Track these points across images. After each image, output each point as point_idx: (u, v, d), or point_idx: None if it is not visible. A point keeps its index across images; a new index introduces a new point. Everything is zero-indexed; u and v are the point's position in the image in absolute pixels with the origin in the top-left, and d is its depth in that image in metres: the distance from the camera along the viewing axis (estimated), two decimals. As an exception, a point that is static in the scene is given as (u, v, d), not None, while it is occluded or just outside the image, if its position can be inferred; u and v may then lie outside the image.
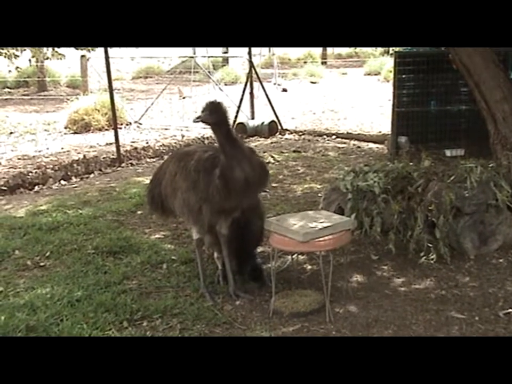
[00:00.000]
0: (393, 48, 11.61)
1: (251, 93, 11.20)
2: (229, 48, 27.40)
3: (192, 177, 3.77)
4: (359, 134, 10.10)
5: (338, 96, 16.20)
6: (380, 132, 10.25)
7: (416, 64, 7.70)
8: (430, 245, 4.43)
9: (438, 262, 4.43)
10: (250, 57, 11.23)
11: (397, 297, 3.99)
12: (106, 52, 8.68)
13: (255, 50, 23.91)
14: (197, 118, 3.79)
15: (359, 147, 9.20)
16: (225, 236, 4.06)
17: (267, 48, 28.60)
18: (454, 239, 4.57)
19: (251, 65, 11.04)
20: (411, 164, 5.22)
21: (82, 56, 15.28)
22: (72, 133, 11.86)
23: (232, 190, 3.67)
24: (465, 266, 4.46)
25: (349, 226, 3.82)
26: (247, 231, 4.18)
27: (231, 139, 3.69)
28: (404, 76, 7.83)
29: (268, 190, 6.69)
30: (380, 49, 28.00)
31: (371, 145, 9.31)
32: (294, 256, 4.40)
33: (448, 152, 7.65)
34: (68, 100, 13.27)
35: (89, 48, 18.10)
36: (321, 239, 3.62)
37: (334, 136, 10.12)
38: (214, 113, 3.71)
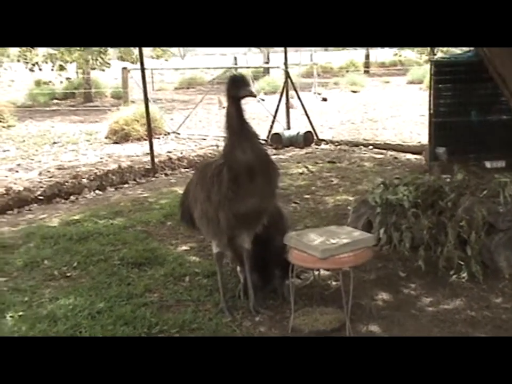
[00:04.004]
0: (433, 55, 11.37)
1: (287, 103, 11.14)
2: (270, 58, 27.42)
3: (207, 186, 3.72)
4: (396, 144, 9.89)
5: (379, 105, 15.99)
6: (419, 142, 10.01)
7: (454, 73, 7.52)
8: (462, 263, 4.27)
9: (470, 281, 4.25)
10: (286, 66, 11.18)
11: (423, 318, 3.83)
12: (142, 64, 8.80)
13: (295, 59, 23.91)
14: (251, 92, 3.66)
15: (396, 158, 9.01)
16: (248, 251, 3.98)
17: (308, 57, 28.57)
18: (487, 257, 4.38)
19: (287, 75, 10.98)
20: (444, 176, 5.06)
21: (124, 68, 15.55)
22: (112, 143, 12.03)
23: (238, 179, 3.56)
24: (498, 286, 4.25)
25: (371, 243, 3.70)
26: (268, 247, 4.10)
27: (243, 120, 3.60)
28: (441, 86, 7.65)
29: (297, 202, 6.60)
30: (424, 57, 27.63)
31: (409, 156, 9.11)
32: (317, 272, 4.29)
33: (488, 164, 7.41)
34: (110, 110, 13.49)
35: (131, 59, 18.49)
36: (341, 255, 3.51)
37: (371, 147, 9.95)
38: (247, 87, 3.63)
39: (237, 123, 3.59)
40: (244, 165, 3.54)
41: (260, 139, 3.82)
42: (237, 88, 3.58)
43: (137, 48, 11.54)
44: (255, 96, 3.85)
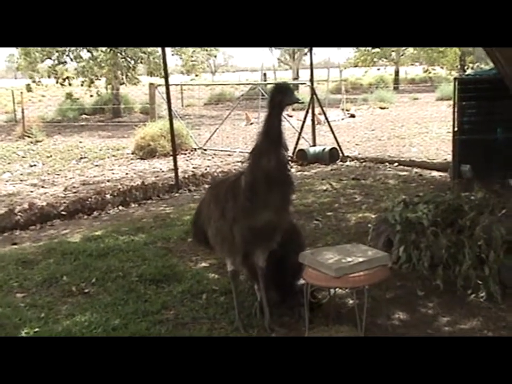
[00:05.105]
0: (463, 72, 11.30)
1: (312, 120, 11.13)
2: (299, 74, 27.46)
3: (222, 203, 3.72)
4: (422, 161, 9.81)
5: (407, 122, 15.89)
6: (445, 159, 9.91)
7: (478, 90, 7.42)
8: (480, 282, 4.18)
9: (488, 301, 4.15)
10: (312, 82, 11.18)
11: (439, 338, 3.75)
12: (166, 79, 8.92)
13: (324, 75, 23.89)
14: (297, 98, 3.73)
15: (421, 175, 8.90)
16: (262, 269, 3.96)
17: (337, 74, 28.57)
18: (506, 276, 4.28)
19: (312, 91, 10.98)
20: (465, 194, 4.99)
21: (151, 83, 15.74)
22: (138, 159, 12.16)
23: (255, 187, 3.56)
24: (517, 306, 4.16)
25: (386, 261, 3.64)
26: (284, 264, 4.08)
27: (281, 129, 3.60)
28: (465, 103, 7.57)
29: (320, 219, 6.56)
30: (455, 74, 27.43)
31: (434, 173, 8.99)
32: (334, 290, 4.24)
33: (512, 182, 7.28)
34: (137, 126, 13.67)
35: (161, 75, 18.71)
36: (355, 274, 3.47)
37: (396, 164, 9.88)
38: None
39: (275, 131, 3.58)
40: (265, 172, 3.54)
41: (288, 152, 3.81)
42: (282, 95, 3.59)
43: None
44: (301, 102, 4.00)
